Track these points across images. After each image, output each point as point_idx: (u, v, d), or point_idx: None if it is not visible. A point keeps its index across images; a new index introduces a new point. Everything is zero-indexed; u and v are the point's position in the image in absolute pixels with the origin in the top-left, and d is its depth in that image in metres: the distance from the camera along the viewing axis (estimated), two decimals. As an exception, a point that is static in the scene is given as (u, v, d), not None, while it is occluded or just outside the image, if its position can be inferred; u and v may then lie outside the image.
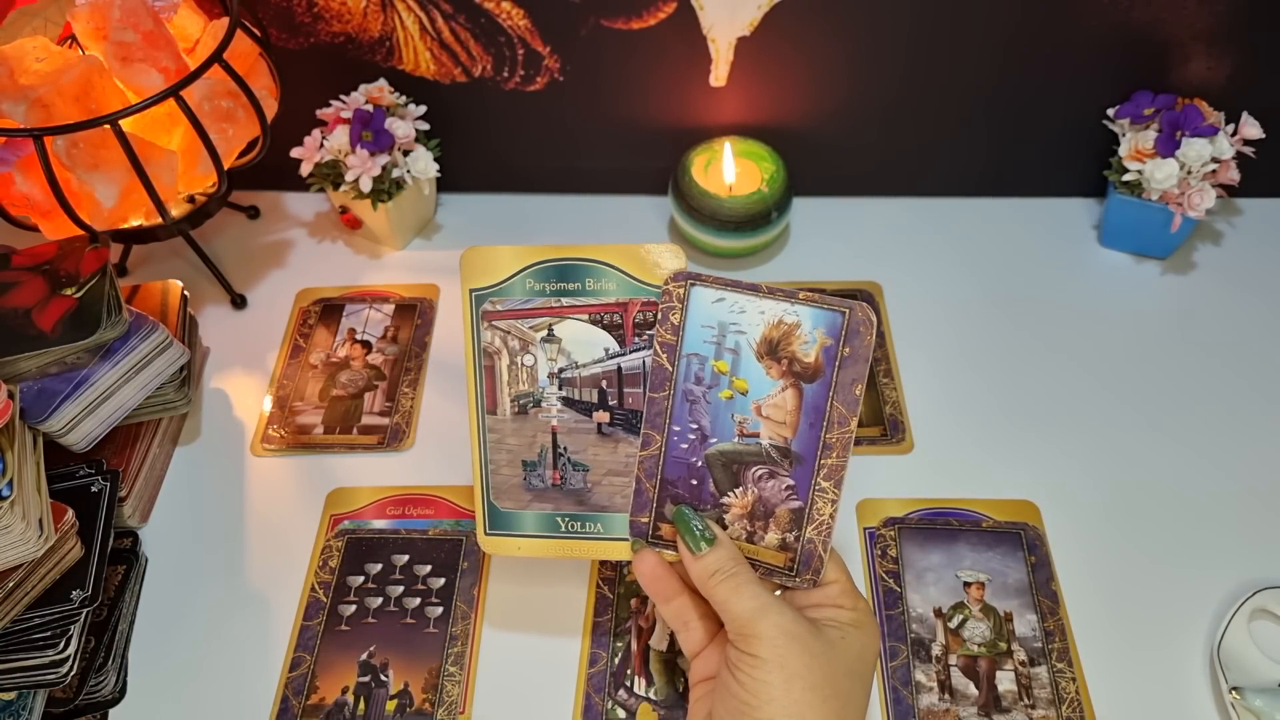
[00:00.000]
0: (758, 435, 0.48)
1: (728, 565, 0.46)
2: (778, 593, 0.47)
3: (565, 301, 0.52)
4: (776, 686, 0.43)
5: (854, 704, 0.44)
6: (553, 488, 0.53)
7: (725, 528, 0.49)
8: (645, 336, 0.51)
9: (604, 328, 0.52)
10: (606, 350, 0.52)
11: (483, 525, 0.54)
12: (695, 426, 0.49)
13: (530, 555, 0.53)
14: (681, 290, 0.48)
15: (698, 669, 0.49)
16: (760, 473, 0.48)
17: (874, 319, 0.46)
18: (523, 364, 0.53)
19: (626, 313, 0.51)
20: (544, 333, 0.52)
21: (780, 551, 0.48)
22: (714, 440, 0.49)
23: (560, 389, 0.53)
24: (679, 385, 0.49)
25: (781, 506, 0.48)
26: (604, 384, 0.52)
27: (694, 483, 0.49)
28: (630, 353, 0.51)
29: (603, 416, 0.52)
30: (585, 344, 0.52)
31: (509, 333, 0.53)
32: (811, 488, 0.48)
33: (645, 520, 0.50)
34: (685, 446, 0.49)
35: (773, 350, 0.48)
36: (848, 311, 0.47)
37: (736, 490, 0.49)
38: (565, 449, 0.53)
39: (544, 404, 0.53)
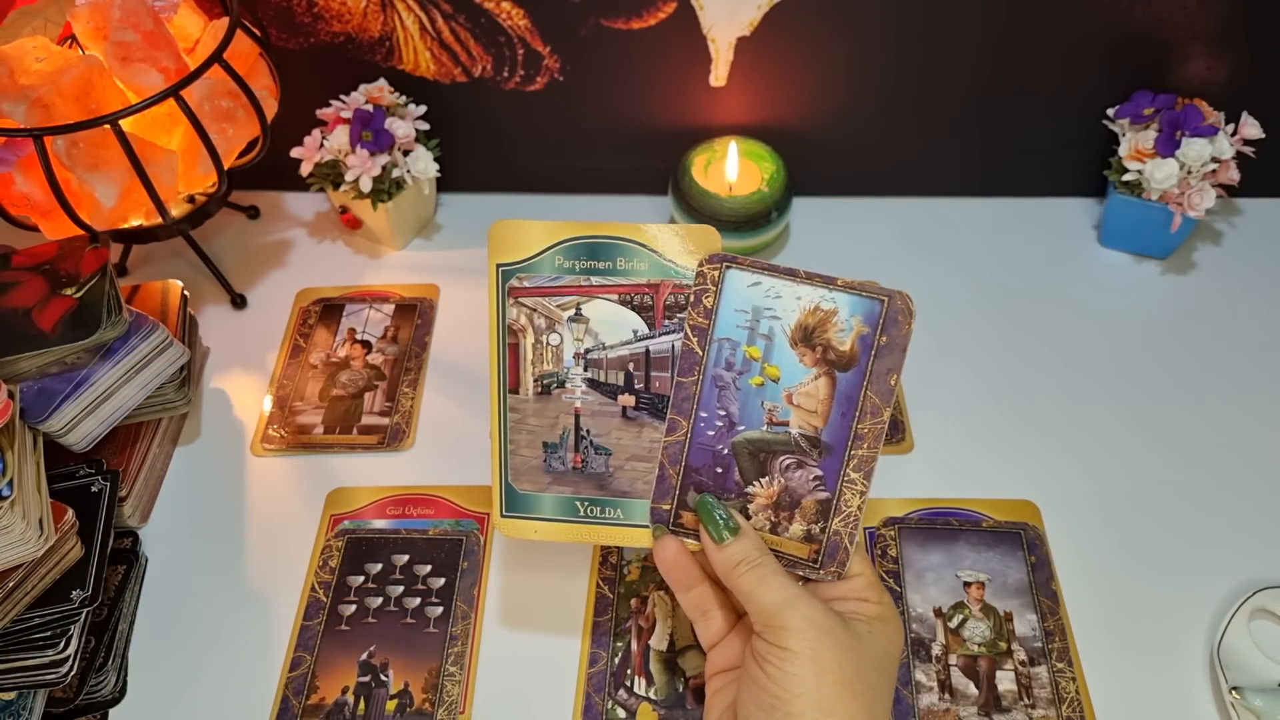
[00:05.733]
0: (787, 424, 0.47)
1: (753, 555, 0.46)
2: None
3: (595, 280, 0.50)
4: (807, 680, 0.42)
5: (882, 699, 0.44)
6: (573, 471, 0.51)
7: (748, 518, 0.48)
8: (676, 319, 0.49)
9: (634, 309, 0.50)
10: (635, 332, 0.50)
11: (499, 507, 0.52)
12: (723, 413, 0.48)
13: (547, 539, 0.52)
14: (716, 272, 0.47)
15: (716, 659, 0.48)
16: (788, 462, 0.47)
17: (913, 309, 0.46)
18: (548, 343, 0.51)
19: (658, 294, 0.50)
20: (572, 312, 0.51)
21: (805, 543, 0.47)
22: (742, 428, 0.48)
23: (586, 370, 0.51)
24: (709, 370, 0.48)
25: (808, 497, 0.47)
26: (631, 367, 0.51)
27: (719, 470, 0.48)
28: (660, 335, 0.50)
29: (628, 400, 0.51)
30: (614, 325, 0.50)
31: (535, 310, 0.51)
32: (840, 479, 0.47)
33: (667, 507, 0.49)
34: (712, 433, 0.48)
35: (807, 337, 0.47)
36: (887, 300, 0.46)
37: (762, 480, 0.48)
38: (588, 432, 0.51)
39: (568, 385, 0.51)
